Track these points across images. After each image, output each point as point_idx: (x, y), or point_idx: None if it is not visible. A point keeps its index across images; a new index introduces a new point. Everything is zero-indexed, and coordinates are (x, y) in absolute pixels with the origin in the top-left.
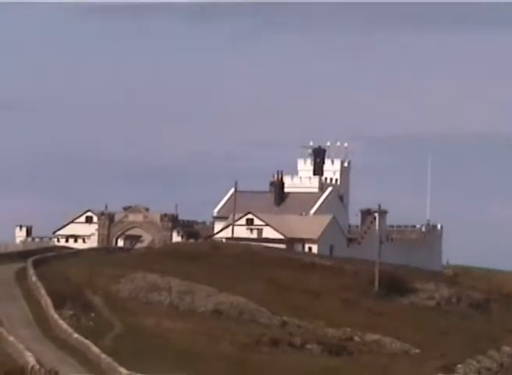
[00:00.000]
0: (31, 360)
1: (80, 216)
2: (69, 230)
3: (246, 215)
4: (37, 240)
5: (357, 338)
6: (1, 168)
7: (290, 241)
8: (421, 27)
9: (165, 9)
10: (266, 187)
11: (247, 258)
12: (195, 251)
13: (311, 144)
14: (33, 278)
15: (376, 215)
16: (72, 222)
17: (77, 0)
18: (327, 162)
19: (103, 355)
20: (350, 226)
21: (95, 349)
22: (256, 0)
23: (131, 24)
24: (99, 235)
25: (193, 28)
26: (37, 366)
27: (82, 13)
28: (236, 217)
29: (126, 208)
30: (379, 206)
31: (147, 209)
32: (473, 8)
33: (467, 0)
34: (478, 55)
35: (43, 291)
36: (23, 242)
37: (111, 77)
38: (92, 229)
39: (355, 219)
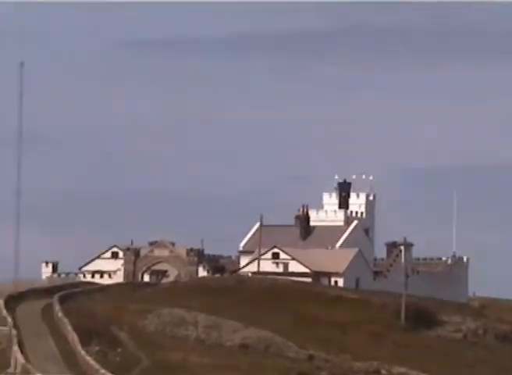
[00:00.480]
0: None
1: (106, 251)
2: (95, 265)
3: (272, 249)
4: (63, 276)
5: (384, 371)
6: (27, 204)
7: (316, 275)
8: (456, 57)
9: (201, 44)
10: (291, 220)
11: (273, 292)
12: (221, 286)
13: (336, 177)
14: (60, 314)
15: (402, 248)
16: (98, 257)
17: (108, 35)
18: (352, 195)
19: None
20: (375, 259)
21: None
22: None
23: (164, 60)
24: (125, 270)
25: (228, 63)
26: None
27: (110, 49)
28: (262, 251)
29: (151, 243)
30: (405, 239)
31: (172, 244)
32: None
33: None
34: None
35: (69, 327)
36: (49, 278)
37: (137, 113)
38: (118, 264)
39: (381, 252)
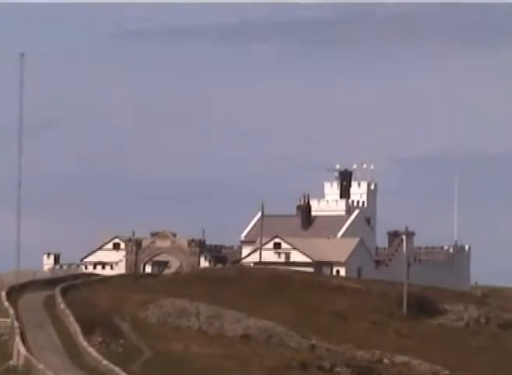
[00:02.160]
0: None
1: (108, 242)
2: (97, 256)
3: (273, 239)
4: (64, 267)
5: (386, 360)
6: (28, 194)
7: (318, 265)
8: (457, 45)
9: (202, 32)
10: (293, 210)
11: (275, 282)
12: (223, 276)
13: (338, 167)
14: (62, 305)
15: (403, 237)
16: (99, 248)
17: (114, 25)
18: (353, 184)
19: None
20: (377, 248)
21: None
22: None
23: (168, 48)
24: (127, 261)
25: (233, 50)
26: None
27: (118, 37)
28: (264, 241)
29: (153, 234)
30: (406, 228)
31: (174, 235)
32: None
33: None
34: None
35: (71, 318)
36: (51, 269)
37: (141, 99)
38: (120, 255)
39: (382, 242)
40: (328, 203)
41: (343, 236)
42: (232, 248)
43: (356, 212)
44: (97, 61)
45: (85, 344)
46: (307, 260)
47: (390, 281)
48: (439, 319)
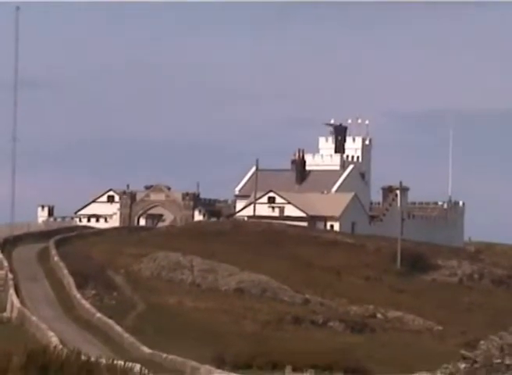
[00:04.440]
0: (54, 340)
1: (102, 195)
2: (91, 209)
3: (267, 193)
4: (59, 220)
5: (379, 315)
6: (24, 148)
7: (312, 219)
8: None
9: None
10: (287, 165)
11: (269, 236)
12: (217, 230)
13: (333, 121)
14: (56, 258)
15: (398, 192)
16: (93, 201)
17: None
18: (348, 139)
19: (126, 334)
20: (371, 203)
21: (118, 328)
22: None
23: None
24: (121, 214)
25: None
26: (60, 346)
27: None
28: (258, 195)
29: (147, 188)
30: (400, 183)
31: (168, 188)
32: None
33: None
34: (504, 32)
35: (65, 271)
36: (45, 222)
37: (133, 57)
38: (114, 208)
39: (377, 197)
40: (322, 158)
41: (337, 191)
42: (226, 201)
43: (350, 167)
44: (91, 17)
45: (79, 296)
46: (301, 215)
47: (384, 236)
48: (432, 275)
